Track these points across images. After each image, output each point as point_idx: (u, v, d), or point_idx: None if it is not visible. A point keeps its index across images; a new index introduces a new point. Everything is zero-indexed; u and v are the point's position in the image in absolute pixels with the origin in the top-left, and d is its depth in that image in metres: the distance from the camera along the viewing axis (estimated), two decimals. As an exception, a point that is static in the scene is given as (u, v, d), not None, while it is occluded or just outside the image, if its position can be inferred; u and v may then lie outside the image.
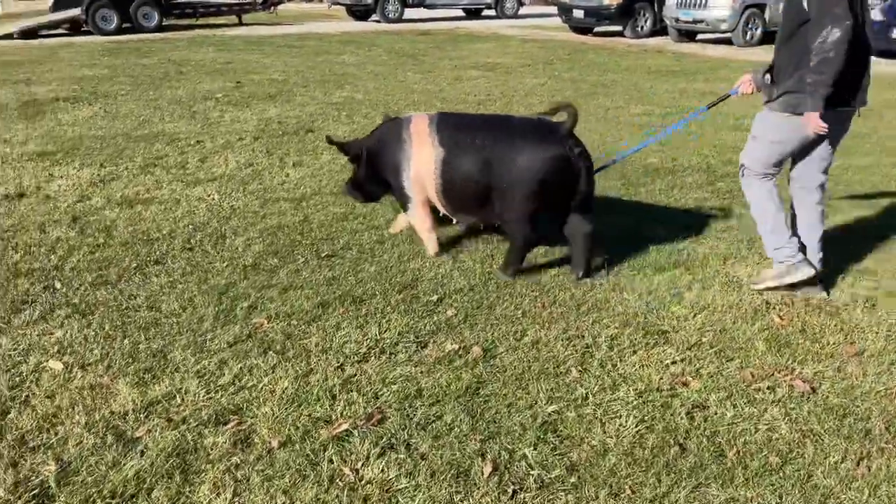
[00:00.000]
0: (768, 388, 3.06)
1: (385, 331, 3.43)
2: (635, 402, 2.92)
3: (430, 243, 4.28)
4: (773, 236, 3.79)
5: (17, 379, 3.01)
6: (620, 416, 2.84)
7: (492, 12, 23.82)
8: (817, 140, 3.61)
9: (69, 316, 3.54)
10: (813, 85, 3.34)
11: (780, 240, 3.77)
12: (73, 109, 8.42)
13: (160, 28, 18.30)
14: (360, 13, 22.50)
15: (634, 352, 3.31)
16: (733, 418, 2.86)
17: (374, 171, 4.24)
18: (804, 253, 3.79)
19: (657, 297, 3.85)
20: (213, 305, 3.67)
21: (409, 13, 22.52)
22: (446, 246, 4.44)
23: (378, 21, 21.64)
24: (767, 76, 3.77)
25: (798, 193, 3.84)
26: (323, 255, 4.32)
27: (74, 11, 17.61)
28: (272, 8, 22.04)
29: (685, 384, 3.07)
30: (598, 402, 2.93)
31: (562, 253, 4.38)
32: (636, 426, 2.78)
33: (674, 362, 3.23)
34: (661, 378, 3.10)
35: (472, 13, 24.32)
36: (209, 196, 5.39)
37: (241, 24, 20.65)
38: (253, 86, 10.17)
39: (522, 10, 24.68)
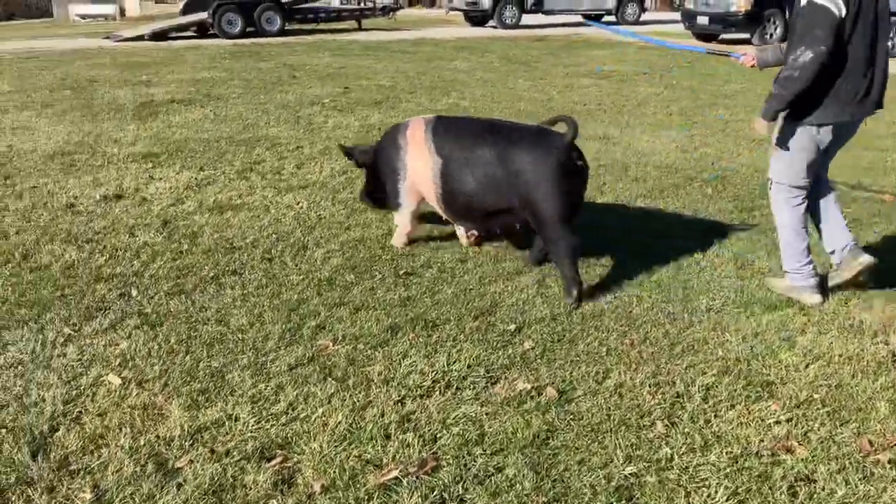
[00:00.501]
0: (889, 461, 2.60)
1: (454, 362, 3.18)
2: (728, 470, 2.54)
3: (400, 240, 4.43)
4: (789, 260, 3.80)
5: (74, 393, 2.94)
6: (709, 485, 2.46)
7: (612, 18, 23.17)
8: (829, 147, 3.66)
9: (138, 326, 3.47)
10: (771, 95, 3.50)
11: (794, 264, 3.78)
12: (184, 111, 8.62)
13: (282, 32, 18.76)
14: (477, 19, 22.39)
15: (732, 406, 2.91)
16: (844, 497, 2.43)
17: (377, 178, 4.31)
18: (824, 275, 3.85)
19: (764, 341, 3.41)
20: (281, 323, 3.52)
21: (527, 19, 22.22)
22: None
23: (495, 27, 21.46)
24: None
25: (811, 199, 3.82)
26: (401, 272, 4.11)
27: (202, 15, 18.33)
28: (391, 14, 22.26)
29: (789, 450, 2.65)
30: (684, 465, 2.56)
31: (658, 286, 4.00)
32: (727, 499, 2.40)
33: (778, 422, 2.81)
34: (762, 441, 2.69)
35: (592, 19, 23.75)
36: (298, 204, 5.30)
37: (360, 29, 20.94)
38: (360, 91, 10.15)
39: (645, 16, 23.88)
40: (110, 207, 5.22)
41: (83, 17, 28.66)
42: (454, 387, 3.00)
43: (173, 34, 18.48)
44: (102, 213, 5.11)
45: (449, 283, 3.97)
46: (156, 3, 32.26)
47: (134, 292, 3.85)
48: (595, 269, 4.19)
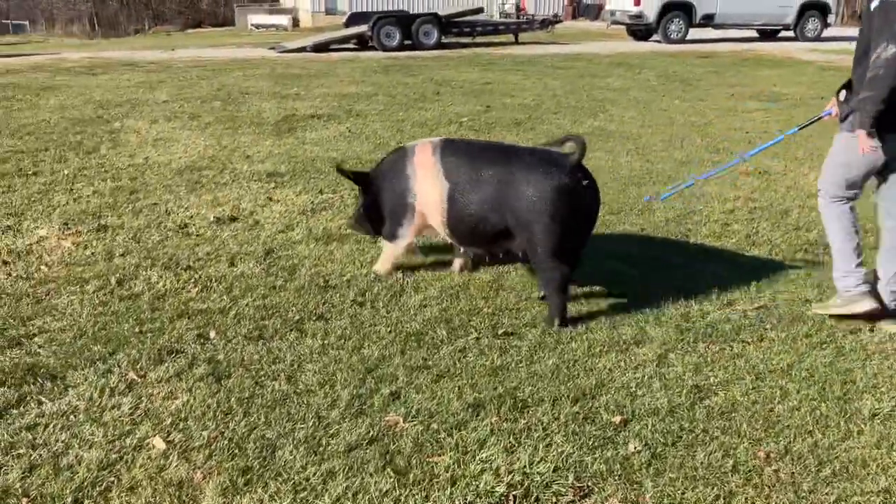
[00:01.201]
0: None
1: (539, 461, 2.65)
2: None
3: (384, 267, 4.28)
4: (839, 262, 3.68)
5: (114, 456, 2.67)
6: None
7: (790, 34, 21.44)
8: (890, 162, 3.47)
9: (203, 378, 3.19)
10: (861, 101, 3.33)
11: (845, 267, 3.66)
12: (321, 127, 8.53)
13: (438, 46, 18.72)
14: (640, 33, 21.41)
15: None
16: None
17: (376, 202, 4.15)
18: (874, 283, 3.65)
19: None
20: (353, 386, 3.12)
21: (695, 33, 20.97)
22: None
23: (658, 41, 20.41)
24: (843, 93, 3.63)
25: (880, 214, 3.67)
26: (500, 331, 3.62)
27: (362, 28, 18.62)
28: (550, 27, 21.75)
29: None
30: None
31: (809, 376, 3.27)
32: None
33: None
34: None
35: (768, 35, 22.11)
36: (408, 238, 4.92)
37: (517, 42, 20.57)
38: (502, 110, 9.72)
39: (827, 32, 21.88)
40: (221, 231, 5.07)
41: (258, 26, 30.12)
42: (533, 496, 2.48)
43: (334, 46, 18.89)
44: (211, 236, 4.96)
45: (552, 351, 3.43)
46: (326, 14, 33.50)
47: (213, 334, 3.59)
48: (733, 346, 3.51)
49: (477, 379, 3.18)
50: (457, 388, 3.10)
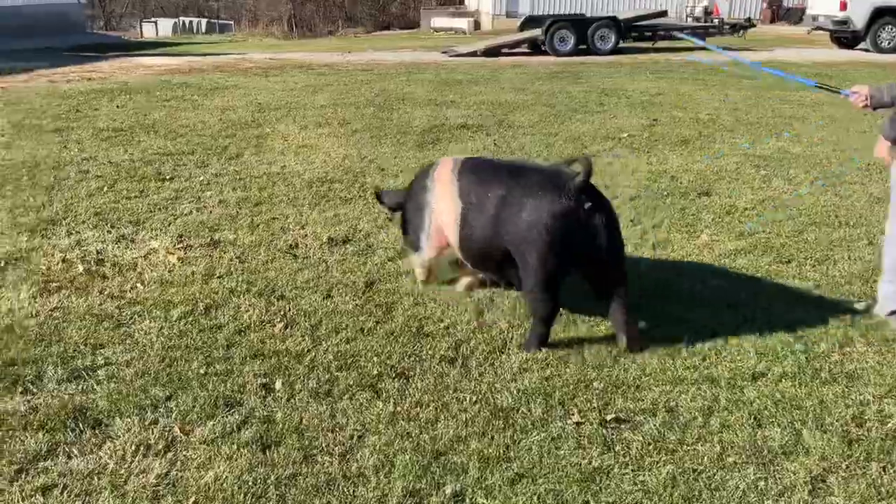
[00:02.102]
0: None
1: None
2: None
3: (422, 278, 4.13)
4: None
5: (117, 539, 2.29)
6: None
7: None
8: None
9: (249, 443, 2.77)
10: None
11: None
12: (467, 139, 8.06)
13: (615, 51, 17.77)
14: (845, 40, 19.27)
15: None
16: None
17: (408, 221, 4.05)
18: None
19: None
20: (412, 476, 2.58)
21: (911, 41, 18.56)
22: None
23: (867, 50, 18.25)
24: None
25: None
26: (608, 416, 2.93)
27: (535, 32, 18.04)
28: (741, 31, 20.09)
29: None
30: None
31: None
32: None
33: None
34: None
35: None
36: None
37: (703, 48, 19.14)
38: (670, 125, 8.80)
39: None
40: (330, 254, 4.71)
41: (437, 29, 30.33)
42: None
43: (506, 51, 18.45)
44: (317, 261, 4.60)
45: (670, 454, 2.71)
46: (507, 17, 33.21)
47: (279, 384, 3.17)
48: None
49: (565, 486, 2.53)
50: (534, 497, 2.47)
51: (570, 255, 3.32)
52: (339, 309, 3.93)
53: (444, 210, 3.70)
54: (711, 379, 3.21)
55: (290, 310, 3.91)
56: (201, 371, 3.27)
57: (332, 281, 4.29)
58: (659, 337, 3.57)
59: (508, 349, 3.49)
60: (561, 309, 3.65)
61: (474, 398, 3.07)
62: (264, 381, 3.21)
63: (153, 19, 40.70)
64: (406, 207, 4.07)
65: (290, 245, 4.88)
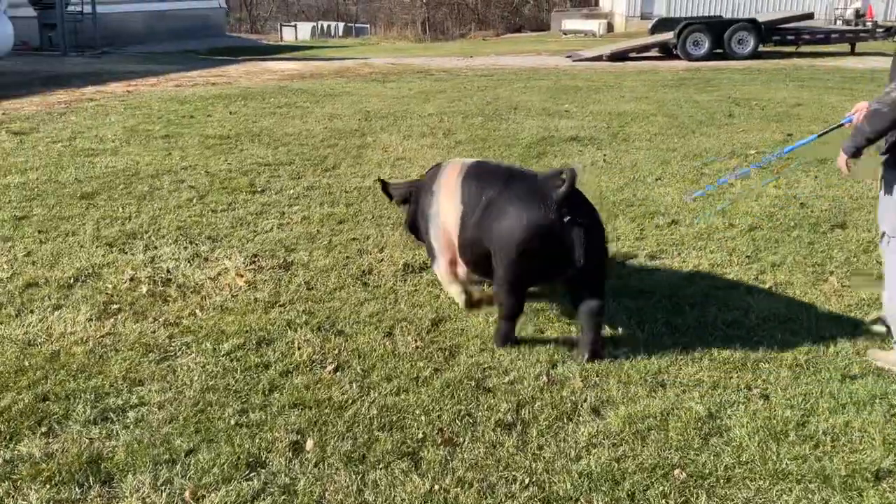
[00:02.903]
0: None
1: None
2: None
3: (458, 298, 3.96)
4: None
5: None
6: None
7: None
8: None
9: (260, 517, 2.44)
10: (856, 129, 3.30)
11: None
12: (576, 153, 7.53)
13: (753, 55, 16.60)
14: None
15: None
16: None
17: (415, 216, 4.05)
18: None
19: None
20: (435, 582, 2.16)
21: None
22: None
23: None
24: None
25: None
26: (686, 523, 2.40)
27: (667, 35, 17.13)
28: (897, 35, 18.34)
29: None
30: None
31: None
32: None
33: None
34: None
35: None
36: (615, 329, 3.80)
37: (852, 53, 17.61)
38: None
39: None
40: (403, 283, 4.37)
41: (566, 32, 29.58)
42: None
43: (634, 55, 17.62)
44: (386, 291, 4.26)
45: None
46: (641, 19, 32.00)
47: (310, 444, 2.83)
48: None
49: None
50: None
51: (541, 264, 3.36)
52: (398, 351, 3.56)
53: (448, 213, 3.72)
54: (823, 476, 2.60)
55: (344, 349, 3.58)
56: (232, 421, 2.98)
57: (397, 316, 3.93)
58: (761, 410, 2.98)
59: (578, 415, 3.00)
60: (646, 372, 3.13)
61: (527, 480, 2.61)
62: (296, 437, 2.88)
63: (293, 23, 42.09)
64: (417, 211, 4.04)
65: (364, 271, 4.56)
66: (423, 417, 3.00)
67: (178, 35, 26.23)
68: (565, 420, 2.98)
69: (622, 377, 3.29)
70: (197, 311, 4.00)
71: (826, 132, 4.09)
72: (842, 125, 3.79)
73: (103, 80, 13.27)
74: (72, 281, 4.36)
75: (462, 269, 3.83)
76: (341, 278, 4.45)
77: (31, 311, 3.94)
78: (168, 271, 4.55)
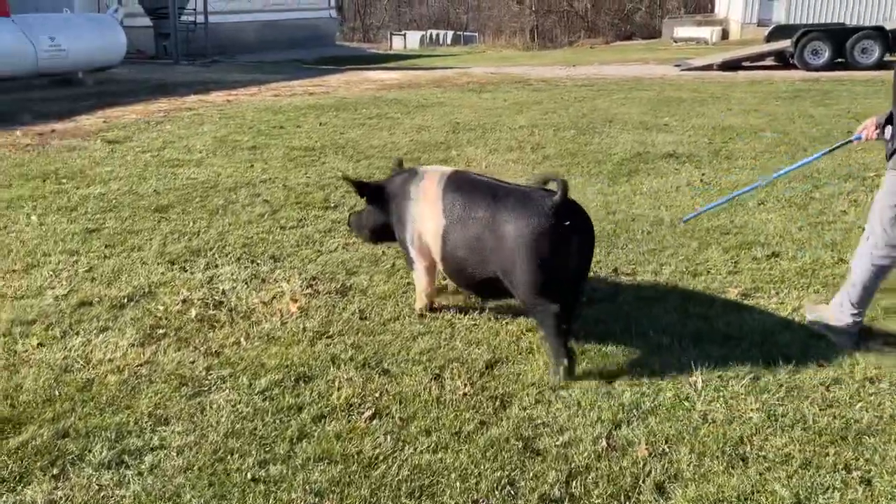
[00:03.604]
0: None
1: None
2: None
3: (420, 302, 4.07)
4: (851, 304, 3.61)
5: None
6: None
7: None
8: None
9: None
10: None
11: (854, 308, 3.61)
12: (670, 172, 6.98)
13: (879, 65, 15.37)
14: None
15: None
16: None
17: (382, 218, 4.06)
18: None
19: None
20: None
21: None
22: None
23: None
24: (889, 129, 3.46)
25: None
26: None
27: (783, 43, 16.11)
28: None
29: None
30: None
31: None
32: None
33: None
34: None
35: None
36: (698, 390, 3.33)
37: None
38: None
39: None
40: (462, 315, 4.03)
41: (677, 40, 28.49)
42: None
43: (747, 64, 16.66)
44: (444, 324, 3.94)
45: None
46: (758, 26, 30.46)
47: (328, 506, 2.54)
48: None
49: None
50: None
51: (557, 266, 3.31)
52: (444, 397, 3.22)
53: (427, 223, 3.71)
54: None
55: (386, 391, 3.28)
56: (250, 475, 2.72)
57: (450, 355, 3.60)
58: (861, 500, 2.48)
59: (639, 493, 2.58)
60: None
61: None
62: (314, 500, 2.58)
63: (402, 32, 42.57)
64: (385, 211, 4.02)
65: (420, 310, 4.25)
66: (458, 484, 2.65)
67: (289, 44, 26.86)
68: (622, 499, 2.56)
69: (696, 446, 2.84)
70: (242, 339, 3.79)
71: (836, 148, 4.15)
72: (850, 142, 3.91)
73: (207, 89, 13.56)
74: (125, 300, 4.25)
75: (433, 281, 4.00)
76: (398, 308, 4.16)
77: (77, 333, 3.83)
78: (223, 293, 4.38)
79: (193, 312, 4.09)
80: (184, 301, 4.25)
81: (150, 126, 9.64)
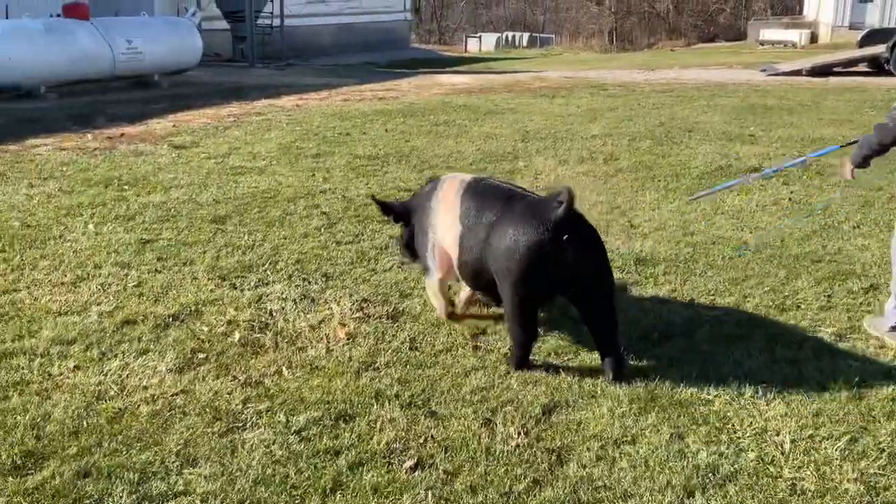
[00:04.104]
0: None
1: None
2: None
3: (440, 310, 4.07)
4: None
5: None
6: None
7: None
8: None
9: None
10: (863, 139, 3.70)
11: None
12: (756, 189, 6.49)
13: None
14: None
15: None
16: None
17: (411, 234, 4.09)
18: None
19: None
20: None
21: None
22: None
23: None
24: None
25: None
26: None
27: (878, 49, 15.20)
28: None
29: None
30: None
31: None
32: None
33: None
34: None
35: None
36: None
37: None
38: None
39: None
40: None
41: (763, 42, 27.38)
42: None
43: (838, 70, 15.77)
44: (499, 359, 3.64)
45: None
46: (850, 29, 29.00)
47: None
48: None
49: None
50: None
51: (543, 285, 3.34)
52: (494, 448, 2.91)
53: (446, 231, 3.72)
54: None
55: (432, 437, 2.99)
56: (274, 532, 2.47)
57: (504, 396, 3.29)
58: None
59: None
60: None
61: None
62: None
63: (478, 34, 42.39)
64: (414, 228, 4.04)
65: (479, 329, 3.95)
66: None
67: (364, 47, 26.95)
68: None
69: (781, 523, 2.45)
70: (284, 368, 3.56)
71: (850, 143, 4.18)
72: (848, 145, 4.07)
73: (279, 93, 13.56)
74: (170, 320, 4.08)
75: (466, 291, 4.02)
76: (451, 336, 3.87)
77: (116, 356, 3.67)
78: (270, 314, 4.17)
79: (237, 336, 3.89)
80: (229, 322, 4.06)
81: (218, 131, 9.61)
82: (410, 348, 3.76)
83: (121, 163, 7.66)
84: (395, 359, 3.65)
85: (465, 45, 39.15)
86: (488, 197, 3.61)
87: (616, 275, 4.59)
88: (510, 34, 42.06)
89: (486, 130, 9.53)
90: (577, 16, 47.58)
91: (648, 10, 43.81)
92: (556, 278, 3.32)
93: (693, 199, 5.23)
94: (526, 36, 41.83)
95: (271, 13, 21.16)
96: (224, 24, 20.77)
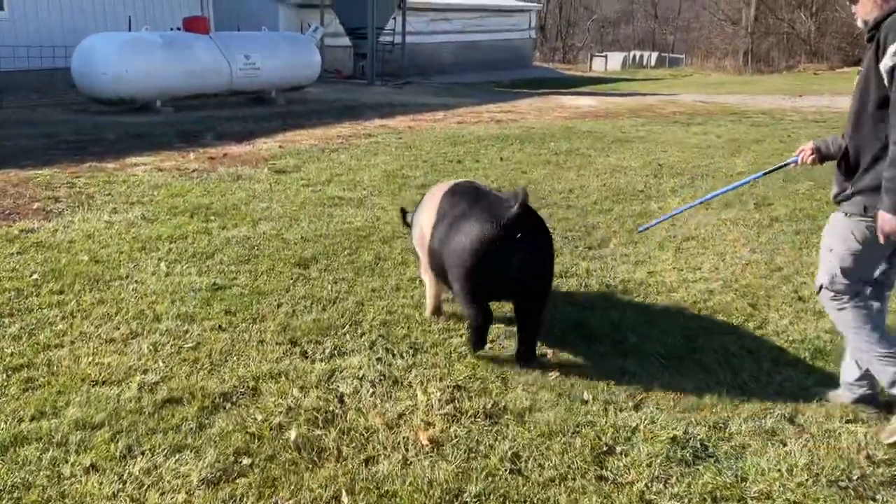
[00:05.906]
0: None
1: None
2: None
3: (429, 307, 4.25)
4: (887, 365, 3.06)
5: None
6: None
7: None
8: None
9: None
10: (890, 181, 2.83)
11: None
12: None
13: None
14: None
15: None
16: None
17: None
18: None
19: None
20: None
21: None
22: None
23: None
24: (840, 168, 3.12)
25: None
26: None
27: None
28: None
29: None
30: None
31: None
32: None
33: None
34: None
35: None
36: None
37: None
38: None
39: None
40: (661, 478, 2.73)
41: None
42: None
43: None
44: (633, 497, 2.66)
45: None
46: None
47: None
48: None
49: None
50: None
51: (490, 280, 3.48)
52: None
53: (424, 226, 3.94)
54: None
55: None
56: None
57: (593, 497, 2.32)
58: None
59: None
60: None
61: None
62: None
63: (604, 53, 41.19)
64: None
65: (608, 445, 3.00)
66: None
67: (486, 65, 26.34)
68: None
69: None
70: (343, 491, 2.73)
71: (771, 171, 3.95)
72: (786, 166, 3.68)
73: (393, 113, 13.01)
74: (221, 400, 3.35)
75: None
76: (569, 454, 2.94)
77: (143, 453, 2.94)
78: (341, 399, 3.37)
79: (294, 433, 3.09)
80: (289, 409, 3.27)
81: (324, 154, 9.04)
82: (511, 471, 2.86)
83: (215, 189, 7.14)
84: (490, 487, 2.76)
85: (591, 64, 38.01)
86: (463, 196, 3.81)
87: (784, 372, 3.55)
88: (638, 53, 40.60)
89: (612, 162, 8.51)
90: (710, 35, 45.54)
91: (788, 30, 41.29)
92: (502, 274, 3.46)
93: (641, 230, 5.16)
94: (654, 55, 40.28)
95: (393, 30, 20.81)
96: (346, 41, 20.57)
